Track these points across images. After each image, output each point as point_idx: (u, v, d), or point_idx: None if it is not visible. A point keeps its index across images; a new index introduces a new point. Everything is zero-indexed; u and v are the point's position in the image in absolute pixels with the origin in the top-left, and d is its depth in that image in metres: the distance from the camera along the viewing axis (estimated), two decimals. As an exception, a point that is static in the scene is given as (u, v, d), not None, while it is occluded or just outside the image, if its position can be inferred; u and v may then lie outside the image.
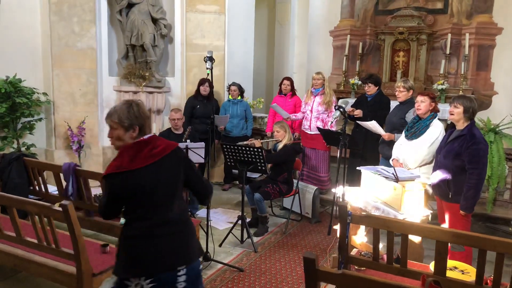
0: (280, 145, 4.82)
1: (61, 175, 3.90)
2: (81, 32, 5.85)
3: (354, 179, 4.78)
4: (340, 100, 4.74)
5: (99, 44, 6.04)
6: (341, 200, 3.96)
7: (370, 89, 5.14)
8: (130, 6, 6.10)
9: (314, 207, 5.08)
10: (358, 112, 5.10)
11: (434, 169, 3.58)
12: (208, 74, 3.71)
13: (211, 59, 3.68)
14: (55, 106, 5.87)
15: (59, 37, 5.76)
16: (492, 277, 2.29)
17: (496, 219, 5.00)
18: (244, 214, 4.40)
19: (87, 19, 5.85)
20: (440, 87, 6.69)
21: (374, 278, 1.84)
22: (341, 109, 4.38)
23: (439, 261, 2.42)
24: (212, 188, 2.41)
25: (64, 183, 3.89)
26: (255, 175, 6.07)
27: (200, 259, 2.34)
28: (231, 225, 4.52)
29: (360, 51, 7.64)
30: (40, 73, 5.88)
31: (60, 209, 2.66)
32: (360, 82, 7.09)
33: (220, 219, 5.04)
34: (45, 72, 5.86)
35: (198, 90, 5.96)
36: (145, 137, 2.14)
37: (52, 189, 4.20)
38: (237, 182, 6.32)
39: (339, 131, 4.64)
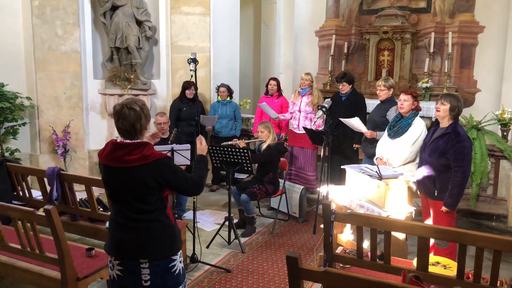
0: (264, 146, 4.83)
1: (45, 179, 3.86)
2: (65, 35, 5.79)
3: (335, 176, 4.82)
4: (326, 100, 4.77)
5: (83, 47, 5.99)
6: (325, 198, 3.99)
7: (345, 87, 5.11)
8: (114, 8, 6.06)
9: (301, 207, 5.11)
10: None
11: (419, 167, 3.62)
12: (192, 76, 3.70)
13: (194, 60, 3.67)
14: (39, 110, 5.80)
15: (42, 40, 5.69)
16: (473, 272, 2.33)
17: (480, 215, 5.09)
18: (232, 215, 4.40)
19: (70, 22, 5.80)
20: (424, 85, 6.77)
21: (355, 275, 1.86)
22: (323, 109, 4.40)
23: (421, 257, 2.46)
24: (196, 185, 2.38)
25: (48, 188, 3.85)
26: (243, 176, 6.07)
27: (179, 257, 2.31)
28: (219, 226, 4.52)
29: (345, 50, 7.70)
30: (23, 77, 5.80)
31: (43, 214, 2.64)
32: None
33: (207, 221, 5.03)
34: (28, 76, 5.79)
35: (183, 93, 5.93)
36: (126, 141, 2.21)
37: (37, 194, 4.15)
38: (225, 183, 6.32)
39: (323, 130, 4.66)
